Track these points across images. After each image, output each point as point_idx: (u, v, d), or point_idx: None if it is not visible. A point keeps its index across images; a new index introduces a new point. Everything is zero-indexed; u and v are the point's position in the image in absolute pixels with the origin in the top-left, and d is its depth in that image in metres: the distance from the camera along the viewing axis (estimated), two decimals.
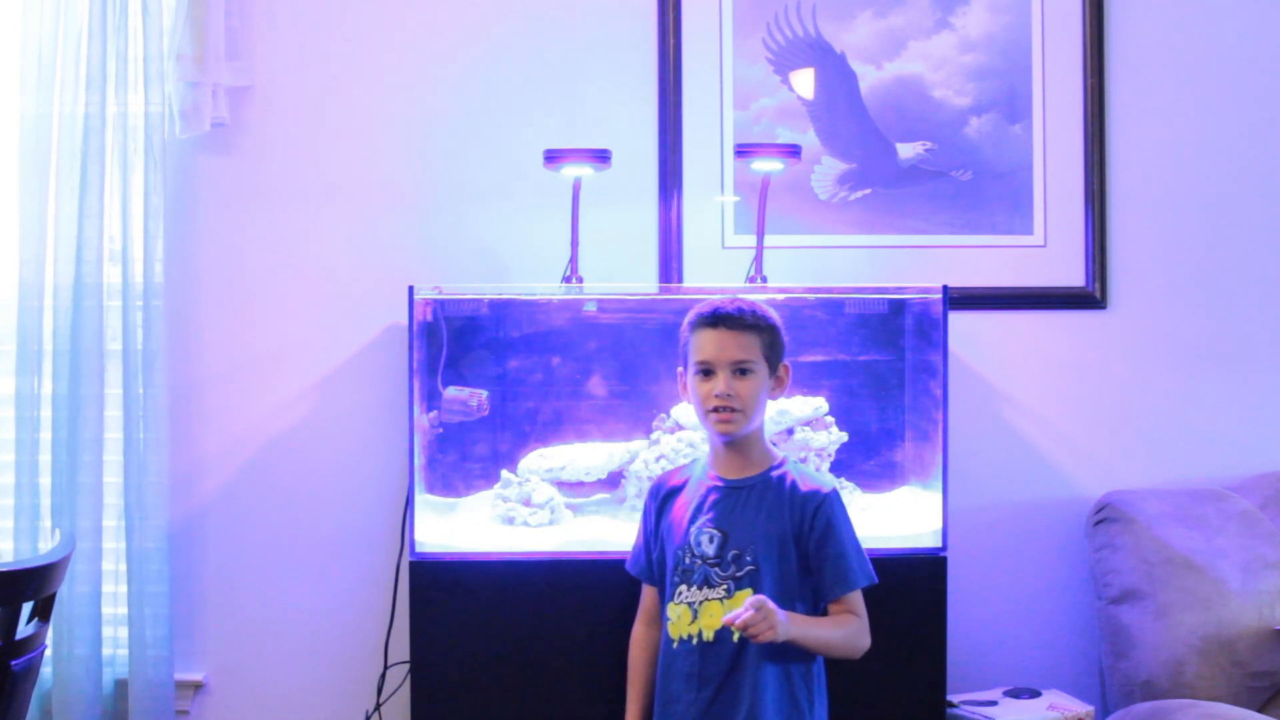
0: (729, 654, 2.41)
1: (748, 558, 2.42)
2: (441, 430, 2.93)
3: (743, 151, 2.96)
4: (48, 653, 2.82)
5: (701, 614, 2.42)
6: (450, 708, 2.74)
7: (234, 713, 3.12)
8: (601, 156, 2.88)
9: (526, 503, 2.87)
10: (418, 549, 2.77)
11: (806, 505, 2.44)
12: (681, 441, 2.87)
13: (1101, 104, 3.13)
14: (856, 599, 2.44)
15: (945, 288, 2.81)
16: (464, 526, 2.88)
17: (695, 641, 2.43)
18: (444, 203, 3.11)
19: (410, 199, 3.11)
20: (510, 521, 2.86)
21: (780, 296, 2.84)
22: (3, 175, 3.07)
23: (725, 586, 2.41)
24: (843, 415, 2.95)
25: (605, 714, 2.64)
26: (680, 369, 2.53)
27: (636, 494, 2.88)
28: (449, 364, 2.94)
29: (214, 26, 3.00)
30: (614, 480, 2.94)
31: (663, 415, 2.94)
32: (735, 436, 2.46)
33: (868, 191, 3.14)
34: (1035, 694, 2.92)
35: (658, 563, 2.55)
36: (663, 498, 2.56)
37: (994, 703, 2.87)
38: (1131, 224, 3.15)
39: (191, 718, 3.12)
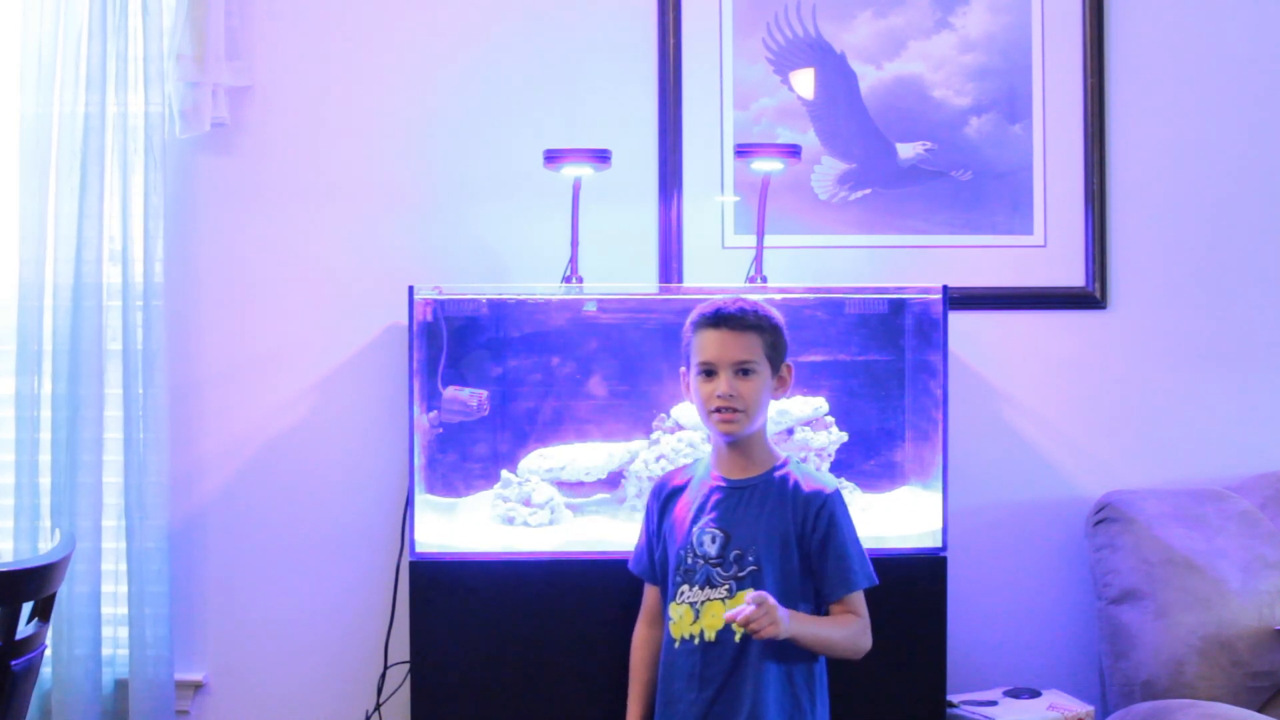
0: (730, 654, 2.41)
1: (750, 558, 2.42)
2: (441, 430, 2.93)
3: (743, 151, 2.96)
4: (47, 653, 2.82)
5: (703, 614, 2.42)
6: (450, 708, 2.74)
7: (234, 713, 3.12)
8: (601, 156, 2.88)
9: (526, 503, 2.87)
10: (418, 549, 2.77)
11: (809, 505, 2.44)
12: (682, 441, 2.87)
13: (1101, 104, 3.13)
14: (858, 600, 2.45)
15: (945, 288, 2.81)
16: (464, 526, 2.88)
17: (697, 641, 2.43)
18: (444, 203, 3.11)
19: (410, 199, 3.11)
20: (510, 521, 2.86)
21: (780, 296, 2.84)
22: (3, 175, 3.07)
23: (727, 586, 2.41)
24: (843, 415, 2.95)
25: (605, 714, 2.64)
26: (683, 369, 2.53)
27: (636, 494, 2.88)
28: (449, 364, 2.94)
29: (214, 26, 3.00)
30: (614, 480, 2.94)
31: (663, 415, 2.94)
32: (737, 437, 2.47)
33: (868, 191, 3.14)
34: (1035, 694, 2.92)
35: (660, 562, 2.55)
36: (665, 498, 2.56)
37: (994, 703, 2.87)
38: (1131, 224, 3.15)
39: (191, 718, 3.12)
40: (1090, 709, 2.85)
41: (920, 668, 2.74)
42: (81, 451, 2.98)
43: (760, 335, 2.45)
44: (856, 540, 2.46)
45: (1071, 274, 3.14)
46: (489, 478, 2.95)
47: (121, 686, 3.05)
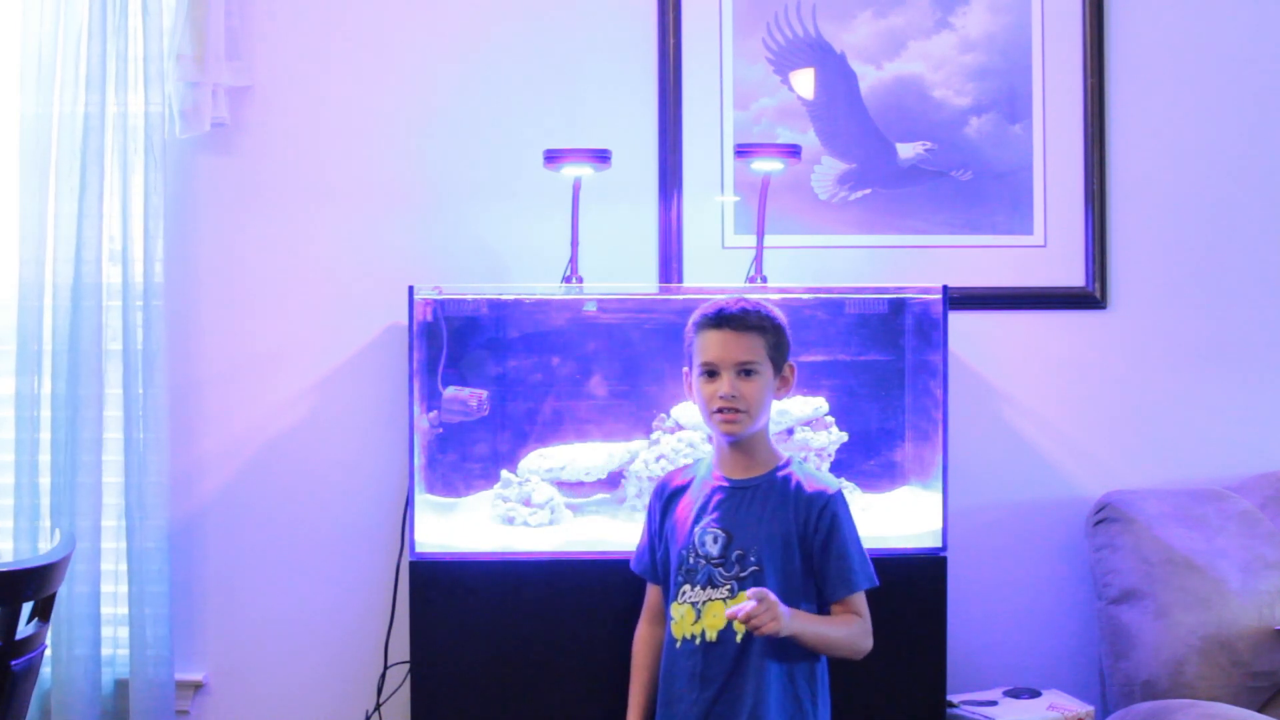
0: (732, 654, 2.41)
1: (751, 558, 2.42)
2: (441, 430, 2.93)
3: (743, 151, 2.96)
4: (47, 653, 2.82)
5: (705, 614, 2.42)
6: (450, 708, 2.74)
7: (234, 713, 3.12)
8: (601, 156, 2.88)
9: (526, 503, 2.87)
10: (418, 549, 2.77)
11: (811, 506, 2.44)
12: (682, 441, 2.87)
13: (1101, 104, 3.13)
14: (860, 600, 2.45)
15: (945, 288, 2.81)
16: (464, 526, 2.88)
17: (698, 641, 2.43)
18: (444, 203, 3.11)
19: (410, 199, 3.11)
20: (510, 521, 2.86)
21: (780, 296, 2.84)
22: (3, 175, 3.07)
23: (729, 587, 2.41)
24: (843, 415, 2.95)
25: (606, 714, 2.64)
26: (685, 369, 2.53)
27: (636, 494, 2.88)
28: (449, 364, 2.94)
29: (214, 26, 3.00)
30: (614, 480, 2.94)
31: (663, 415, 2.94)
32: (740, 437, 2.47)
33: (868, 191, 3.14)
34: (1035, 694, 2.92)
35: (662, 562, 2.55)
36: (667, 497, 2.56)
37: (994, 703, 2.87)
38: (1131, 224, 3.15)
39: (191, 718, 3.12)
40: (1090, 709, 2.85)
41: (920, 668, 2.74)
42: (81, 451, 2.98)
43: (763, 335, 2.45)
44: (858, 541, 2.46)
45: (1071, 274, 3.14)
46: (489, 478, 2.95)
47: (121, 686, 3.05)
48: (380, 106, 3.11)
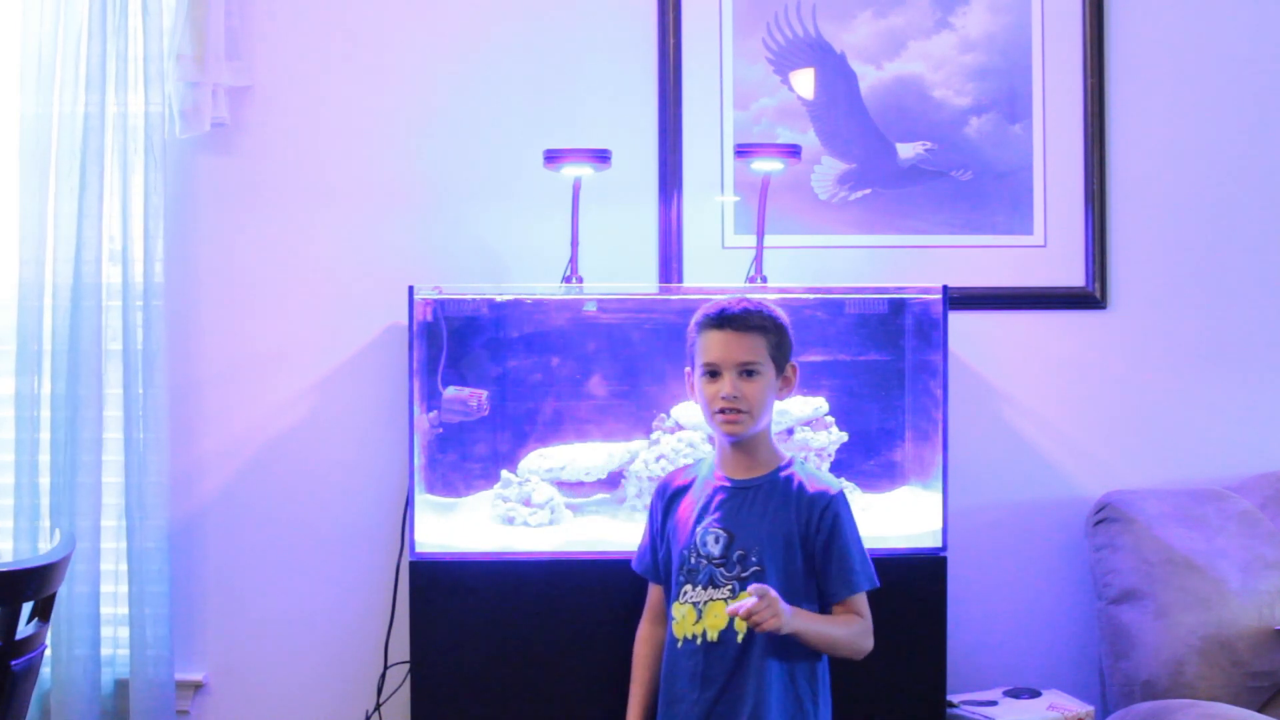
0: (733, 654, 2.41)
1: (753, 558, 2.42)
2: (441, 430, 2.93)
3: (743, 151, 2.96)
4: (47, 653, 2.82)
5: (706, 614, 2.42)
6: (450, 708, 2.74)
7: (234, 713, 3.12)
8: (601, 156, 2.88)
9: (526, 503, 2.87)
10: (418, 549, 2.77)
11: (814, 506, 2.44)
12: (681, 441, 2.87)
13: (1101, 104, 3.13)
14: (861, 601, 2.45)
15: (945, 288, 2.81)
16: (464, 526, 2.88)
17: (699, 641, 2.43)
18: (444, 203, 3.11)
19: (410, 199, 3.11)
20: (510, 521, 2.86)
21: (780, 296, 2.83)
22: (3, 175, 3.07)
23: (730, 587, 2.41)
24: (843, 415, 2.95)
25: (606, 714, 2.64)
26: (688, 369, 2.53)
27: (636, 494, 2.88)
28: (449, 364, 2.94)
29: (214, 26, 3.00)
30: (614, 480, 2.94)
31: (663, 415, 2.94)
32: (741, 437, 2.47)
33: (868, 191, 3.14)
34: (1035, 694, 2.92)
35: (663, 562, 2.54)
36: (669, 497, 2.56)
37: (994, 703, 2.87)
38: (1131, 224, 3.15)
39: (191, 718, 3.12)
40: (1090, 709, 2.85)
41: (920, 668, 2.74)
42: (81, 451, 2.98)
43: (765, 336, 2.45)
44: (859, 542, 2.46)
45: (1071, 274, 3.14)
46: (489, 478, 2.95)
47: (122, 686, 3.05)
48: (380, 106, 3.11)
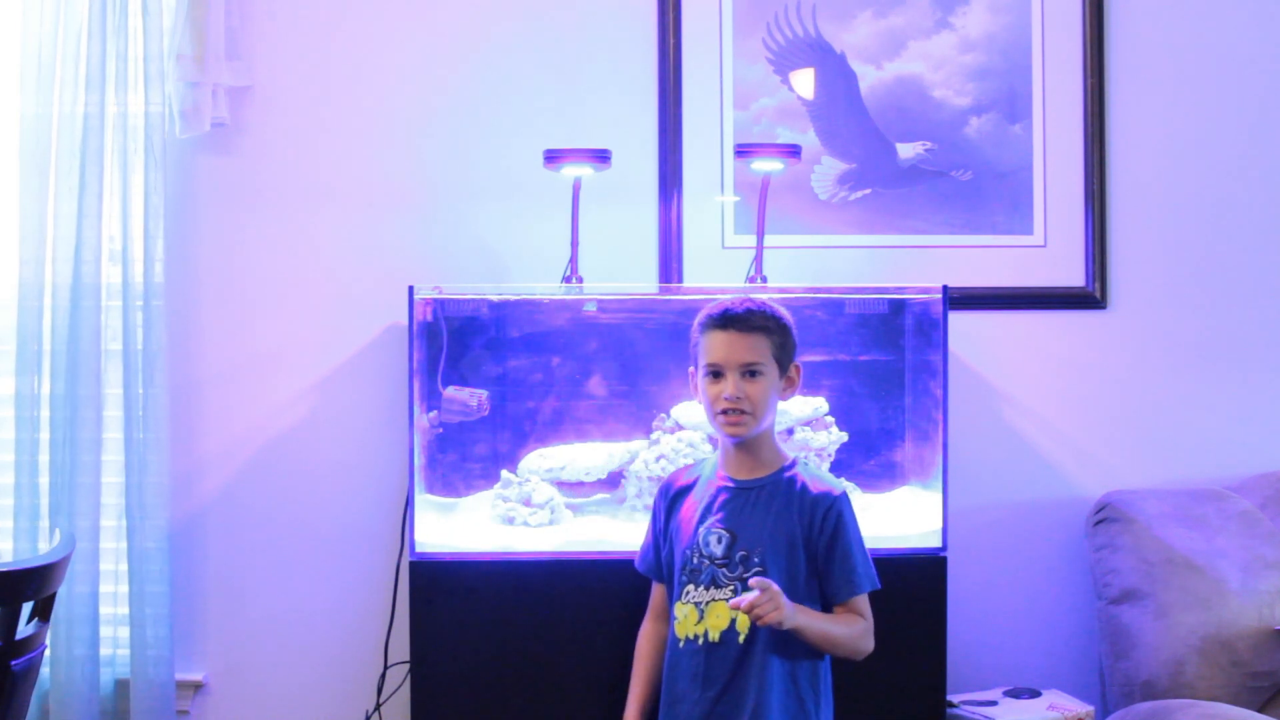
0: (734, 654, 2.41)
1: (755, 559, 2.42)
2: (441, 430, 2.93)
3: (743, 151, 2.96)
4: (47, 653, 2.82)
5: (708, 614, 2.42)
6: (450, 708, 2.74)
7: (234, 713, 3.12)
8: (601, 156, 2.88)
9: (526, 503, 2.87)
10: (418, 549, 2.77)
11: (816, 507, 2.44)
12: (681, 441, 2.87)
13: (1101, 104, 3.13)
14: (863, 602, 2.45)
15: (945, 288, 2.81)
16: (464, 526, 2.88)
17: (701, 641, 2.43)
18: (444, 203, 3.11)
19: (410, 199, 3.11)
20: (510, 521, 2.86)
21: (780, 296, 2.83)
22: (3, 175, 3.07)
23: (733, 587, 2.41)
24: (843, 415, 2.95)
25: (606, 714, 2.64)
26: (691, 369, 2.53)
27: (636, 494, 2.88)
28: (449, 364, 2.94)
29: (214, 26, 3.00)
30: (614, 480, 2.94)
31: (663, 415, 2.94)
32: (745, 438, 2.47)
33: (868, 191, 3.14)
34: (1035, 694, 2.92)
35: (666, 561, 2.55)
36: (672, 497, 2.56)
37: (994, 703, 2.87)
38: (1131, 224, 3.15)
39: (191, 718, 3.12)
40: (1090, 709, 2.85)
41: (920, 668, 2.74)
42: (81, 451, 2.98)
43: (768, 336, 2.45)
44: (862, 543, 2.47)
45: (1071, 274, 3.14)
46: (489, 478, 2.95)
47: (121, 686, 3.05)
48: (380, 106, 3.12)
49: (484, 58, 3.12)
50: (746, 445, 2.48)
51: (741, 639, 2.40)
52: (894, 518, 2.86)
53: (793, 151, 2.92)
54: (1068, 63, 3.14)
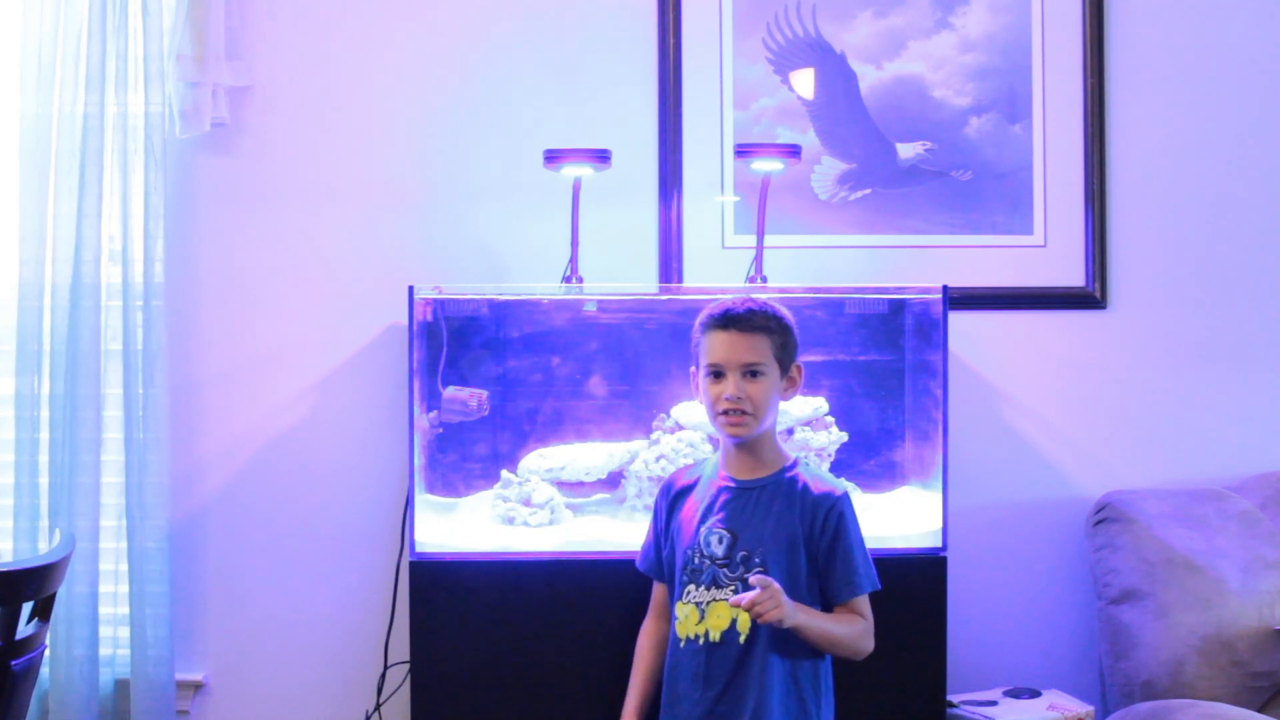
0: (735, 654, 2.41)
1: (756, 559, 2.42)
2: (441, 430, 2.93)
3: (743, 151, 2.96)
4: (47, 653, 2.82)
5: (709, 614, 2.42)
6: (450, 708, 2.74)
7: (234, 713, 3.12)
8: (601, 156, 2.88)
9: (526, 503, 2.87)
10: (418, 549, 2.77)
11: (818, 508, 2.44)
12: (681, 441, 2.87)
13: (1101, 104, 3.13)
14: (863, 603, 2.45)
15: (945, 288, 2.81)
16: (464, 526, 2.88)
17: (702, 641, 2.43)
18: (444, 203, 3.11)
19: (410, 199, 3.11)
20: (510, 521, 2.86)
21: (780, 296, 2.83)
22: (3, 175, 3.07)
23: (733, 587, 2.41)
24: (843, 415, 2.95)
25: (606, 714, 2.64)
26: (692, 369, 2.53)
27: (636, 494, 2.88)
28: (449, 364, 2.94)
29: (214, 26, 3.00)
30: (614, 480, 2.94)
31: (663, 415, 2.94)
32: (746, 438, 2.46)
33: (868, 191, 3.14)
34: (1035, 694, 2.92)
35: (667, 561, 2.55)
36: (673, 496, 2.56)
37: (994, 703, 2.87)
38: (1131, 224, 3.15)
39: (191, 718, 3.12)
40: (1090, 709, 2.85)
41: (920, 668, 2.74)
42: (81, 451, 2.98)
43: (769, 336, 2.45)
44: (862, 544, 2.47)
45: (1071, 274, 3.14)
46: (489, 478, 2.95)
47: (121, 686, 3.05)
48: (380, 106, 3.12)
49: (484, 58, 3.12)
50: (748, 445, 2.48)
51: (742, 639, 2.40)
52: (894, 518, 2.86)
53: (793, 151, 2.93)
54: (1068, 63, 3.14)
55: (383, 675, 3.02)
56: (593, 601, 2.72)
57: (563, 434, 2.97)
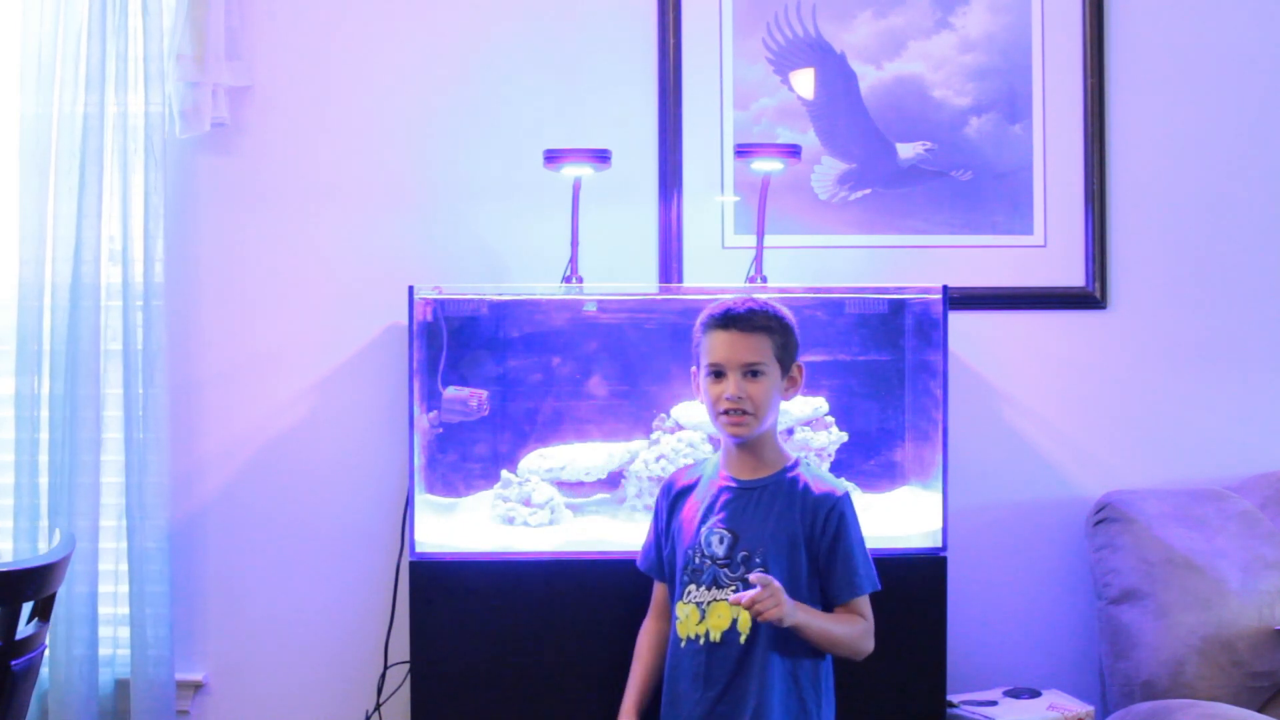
0: (735, 654, 2.41)
1: (757, 559, 2.42)
2: (441, 430, 2.93)
3: (743, 151, 2.96)
4: (47, 653, 2.82)
5: (709, 614, 2.42)
6: (450, 708, 2.74)
7: (234, 713, 3.12)
8: (601, 156, 2.88)
9: (526, 503, 2.87)
10: (418, 549, 2.77)
11: (819, 508, 2.44)
12: (681, 441, 2.87)
13: (1101, 104, 3.13)
14: (864, 603, 2.45)
15: (945, 288, 2.81)
16: (464, 526, 2.88)
17: (702, 642, 2.43)
18: (444, 203, 3.11)
19: (410, 199, 3.11)
20: (510, 521, 2.86)
21: (780, 296, 2.83)
22: (3, 175, 3.07)
23: (734, 587, 2.41)
24: (843, 415, 2.95)
25: (606, 714, 2.64)
26: (693, 369, 2.53)
27: (636, 494, 2.88)
28: (449, 364, 2.94)
29: (214, 26, 3.00)
30: (614, 480, 2.94)
31: (663, 415, 2.94)
32: (747, 438, 2.46)
33: (868, 191, 3.14)
34: (1035, 694, 2.92)
35: (668, 561, 2.55)
36: (674, 496, 2.56)
37: (994, 703, 2.87)
38: (1131, 224, 3.15)
39: (191, 718, 3.12)
40: (1090, 709, 2.85)
41: (920, 668, 2.74)
42: (81, 451, 2.98)
43: (770, 336, 2.45)
44: (863, 544, 2.47)
45: (1071, 274, 3.14)
46: (489, 478, 2.95)
47: (121, 686, 3.05)
48: (380, 106, 3.12)
49: (484, 58, 3.12)
50: (748, 445, 2.48)
51: (743, 639, 2.40)
52: (894, 518, 2.86)
53: (793, 151, 2.93)
54: (1068, 63, 3.14)
55: (383, 675, 3.02)
56: (593, 601, 2.72)
57: (563, 434, 2.97)
